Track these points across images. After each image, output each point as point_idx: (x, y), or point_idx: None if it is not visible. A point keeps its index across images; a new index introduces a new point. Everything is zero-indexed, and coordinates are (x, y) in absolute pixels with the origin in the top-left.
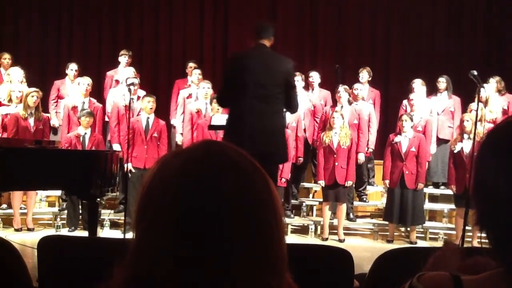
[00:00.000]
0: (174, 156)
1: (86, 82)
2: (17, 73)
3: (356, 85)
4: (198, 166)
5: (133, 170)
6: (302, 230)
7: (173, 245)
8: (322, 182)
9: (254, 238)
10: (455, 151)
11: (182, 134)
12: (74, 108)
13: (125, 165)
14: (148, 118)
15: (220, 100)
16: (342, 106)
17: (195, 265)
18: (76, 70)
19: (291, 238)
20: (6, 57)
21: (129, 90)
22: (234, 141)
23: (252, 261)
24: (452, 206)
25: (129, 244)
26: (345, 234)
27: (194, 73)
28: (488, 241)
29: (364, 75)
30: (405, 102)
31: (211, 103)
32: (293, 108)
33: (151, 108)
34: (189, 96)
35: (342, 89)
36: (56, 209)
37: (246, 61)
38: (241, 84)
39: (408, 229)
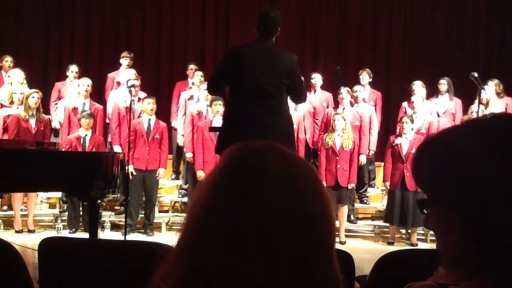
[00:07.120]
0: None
1: (86, 83)
2: (17, 74)
3: (356, 87)
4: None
5: (134, 173)
6: None
7: (237, 247)
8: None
9: (315, 240)
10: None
11: (183, 135)
12: (75, 109)
13: (126, 167)
14: (149, 119)
15: (210, 87)
16: (344, 108)
17: (258, 264)
18: (76, 72)
19: None
20: (8, 60)
21: (130, 92)
22: (230, 142)
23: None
24: None
25: (180, 242)
26: (346, 236)
27: (196, 75)
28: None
29: (365, 77)
30: (404, 104)
31: (211, 105)
32: (300, 99)
33: (151, 110)
34: (191, 97)
35: (344, 90)
36: (56, 210)
37: (244, 57)
38: (238, 83)
39: (409, 231)
